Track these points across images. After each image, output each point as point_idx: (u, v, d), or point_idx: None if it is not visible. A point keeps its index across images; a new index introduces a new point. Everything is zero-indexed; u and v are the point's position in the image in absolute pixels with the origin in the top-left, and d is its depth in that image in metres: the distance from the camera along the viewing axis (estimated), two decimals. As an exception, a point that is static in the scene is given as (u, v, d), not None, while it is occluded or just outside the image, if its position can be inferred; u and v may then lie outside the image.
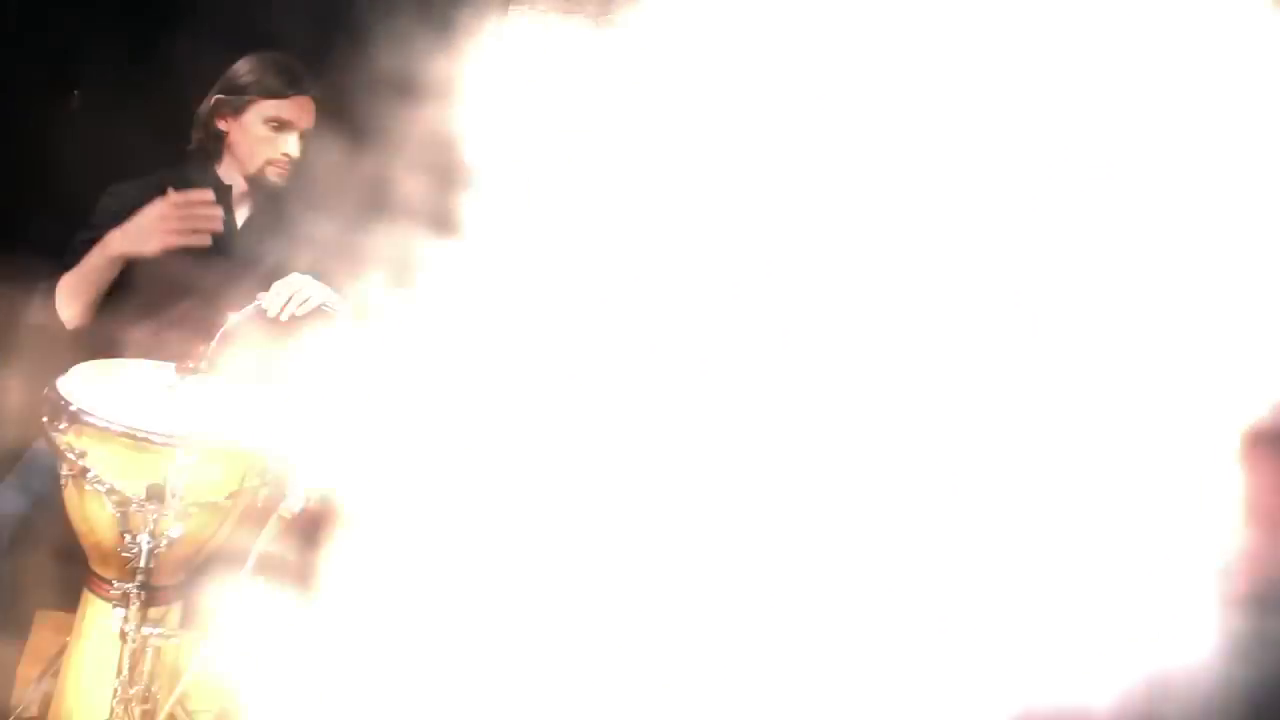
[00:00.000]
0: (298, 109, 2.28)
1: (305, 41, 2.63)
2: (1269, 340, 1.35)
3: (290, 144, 2.27)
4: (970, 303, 1.46)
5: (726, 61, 1.60)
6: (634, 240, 1.63)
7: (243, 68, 2.28)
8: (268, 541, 1.28)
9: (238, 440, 1.79)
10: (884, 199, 1.50)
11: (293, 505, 1.30)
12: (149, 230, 2.03)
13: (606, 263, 1.65)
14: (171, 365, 1.96)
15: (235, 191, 2.31)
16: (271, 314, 2.08)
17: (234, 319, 2.08)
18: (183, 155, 2.33)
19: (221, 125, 2.28)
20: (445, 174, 3.39)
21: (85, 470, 1.74)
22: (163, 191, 2.27)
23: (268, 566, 1.30)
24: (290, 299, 2.10)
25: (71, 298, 2.08)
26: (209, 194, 2.05)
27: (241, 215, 2.34)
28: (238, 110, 2.26)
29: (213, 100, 2.27)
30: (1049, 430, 1.45)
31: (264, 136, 2.25)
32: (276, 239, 2.33)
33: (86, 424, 1.74)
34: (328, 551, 2.10)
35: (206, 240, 2.03)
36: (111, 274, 2.06)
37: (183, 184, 2.28)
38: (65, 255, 2.19)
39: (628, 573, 1.44)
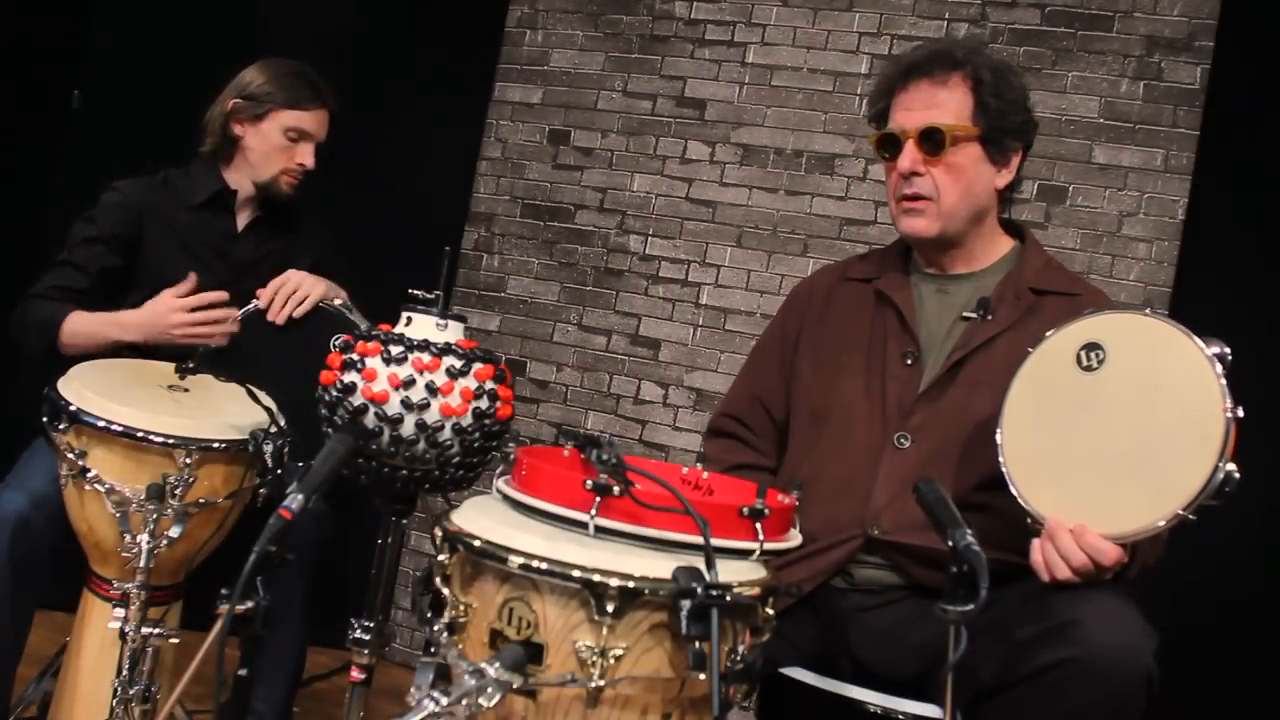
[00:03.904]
0: (317, 121, 2.28)
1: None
2: None
3: (307, 155, 2.27)
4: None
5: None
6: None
7: (261, 75, 2.26)
8: (268, 541, 1.28)
9: (237, 440, 1.79)
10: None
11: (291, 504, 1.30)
12: (162, 330, 2.07)
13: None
14: (171, 365, 1.96)
15: (240, 196, 2.31)
16: (270, 315, 2.08)
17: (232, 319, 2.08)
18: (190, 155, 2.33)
19: (237, 130, 2.27)
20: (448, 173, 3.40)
21: (85, 470, 1.74)
22: (166, 188, 2.27)
23: (268, 565, 1.30)
24: (288, 299, 2.09)
25: (74, 341, 2.09)
26: (223, 295, 2.09)
27: (243, 219, 2.33)
28: (256, 117, 2.25)
29: (229, 104, 2.26)
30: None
31: (281, 145, 2.25)
32: (276, 243, 2.33)
33: (86, 424, 1.75)
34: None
35: (224, 340, 2.08)
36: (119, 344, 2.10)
37: (187, 184, 2.29)
38: (64, 250, 2.19)
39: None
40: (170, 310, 2.08)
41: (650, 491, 1.25)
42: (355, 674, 1.58)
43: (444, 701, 1.12)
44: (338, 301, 2.14)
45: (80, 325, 2.10)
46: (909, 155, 1.72)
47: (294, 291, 2.10)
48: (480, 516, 1.30)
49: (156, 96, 2.88)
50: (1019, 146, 1.76)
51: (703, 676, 1.14)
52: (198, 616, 1.62)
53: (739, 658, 1.24)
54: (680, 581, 1.15)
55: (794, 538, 1.39)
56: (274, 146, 2.25)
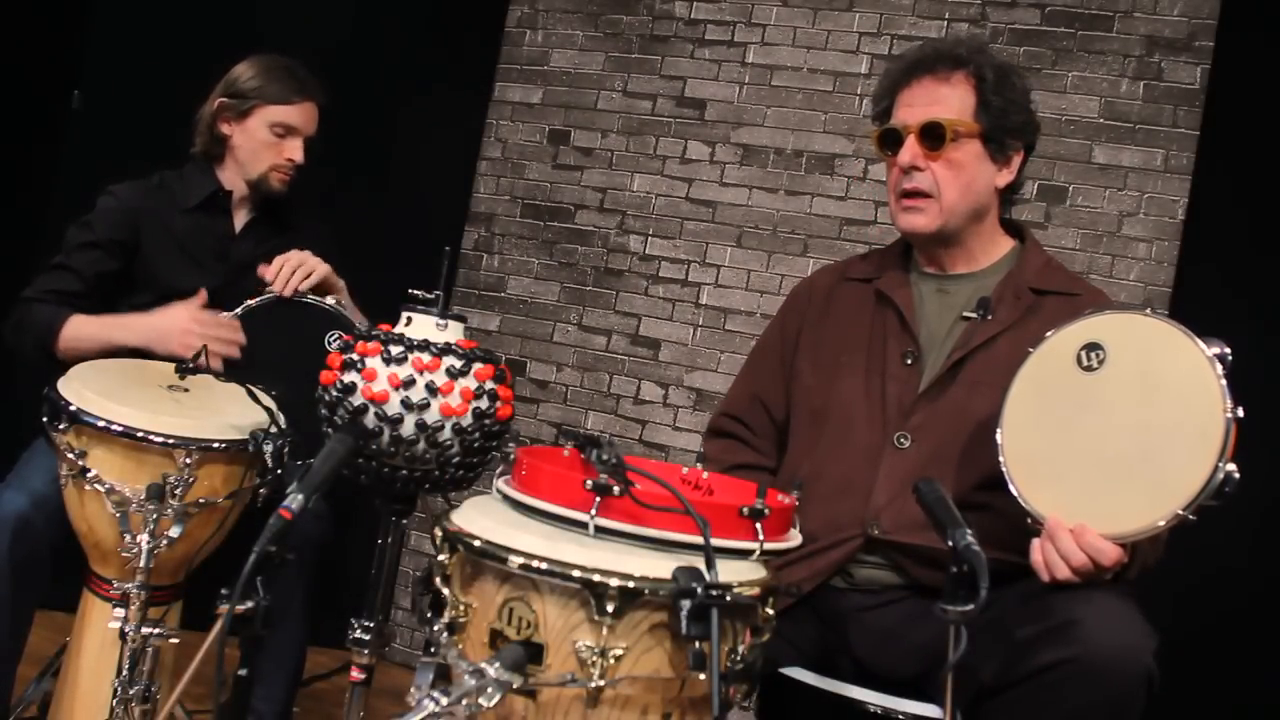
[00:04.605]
0: (304, 115, 2.27)
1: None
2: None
3: (295, 150, 2.26)
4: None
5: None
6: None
7: (246, 71, 2.26)
8: (268, 541, 1.28)
9: (237, 440, 1.79)
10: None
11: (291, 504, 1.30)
12: (170, 339, 2.04)
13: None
14: (171, 365, 1.95)
15: (235, 196, 2.31)
16: (275, 286, 2.07)
17: (231, 318, 2.07)
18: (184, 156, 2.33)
19: (224, 129, 2.26)
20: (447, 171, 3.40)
21: (85, 470, 1.74)
22: (161, 191, 2.27)
23: (268, 565, 1.30)
24: (295, 271, 2.08)
25: (73, 346, 2.08)
26: (236, 324, 2.06)
27: (240, 219, 2.33)
28: (242, 114, 2.24)
29: (216, 103, 2.26)
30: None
31: (268, 142, 2.24)
32: (274, 242, 2.33)
33: (86, 424, 1.74)
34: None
35: (221, 363, 2.02)
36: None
37: (183, 186, 2.29)
38: (60, 254, 2.18)
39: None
40: (183, 326, 2.05)
41: (650, 491, 1.25)
42: (355, 674, 1.58)
43: (444, 701, 1.12)
44: (332, 299, 2.14)
45: (82, 329, 2.09)
46: (910, 150, 1.72)
47: (300, 265, 2.09)
48: (480, 516, 1.30)
49: (156, 96, 2.87)
50: (1020, 146, 1.76)
51: (703, 676, 1.14)
52: (198, 616, 1.62)
53: (739, 658, 1.24)
54: (680, 581, 1.15)
55: (794, 538, 1.39)
56: (261, 143, 2.24)
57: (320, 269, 2.11)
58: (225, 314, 2.08)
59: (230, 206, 2.31)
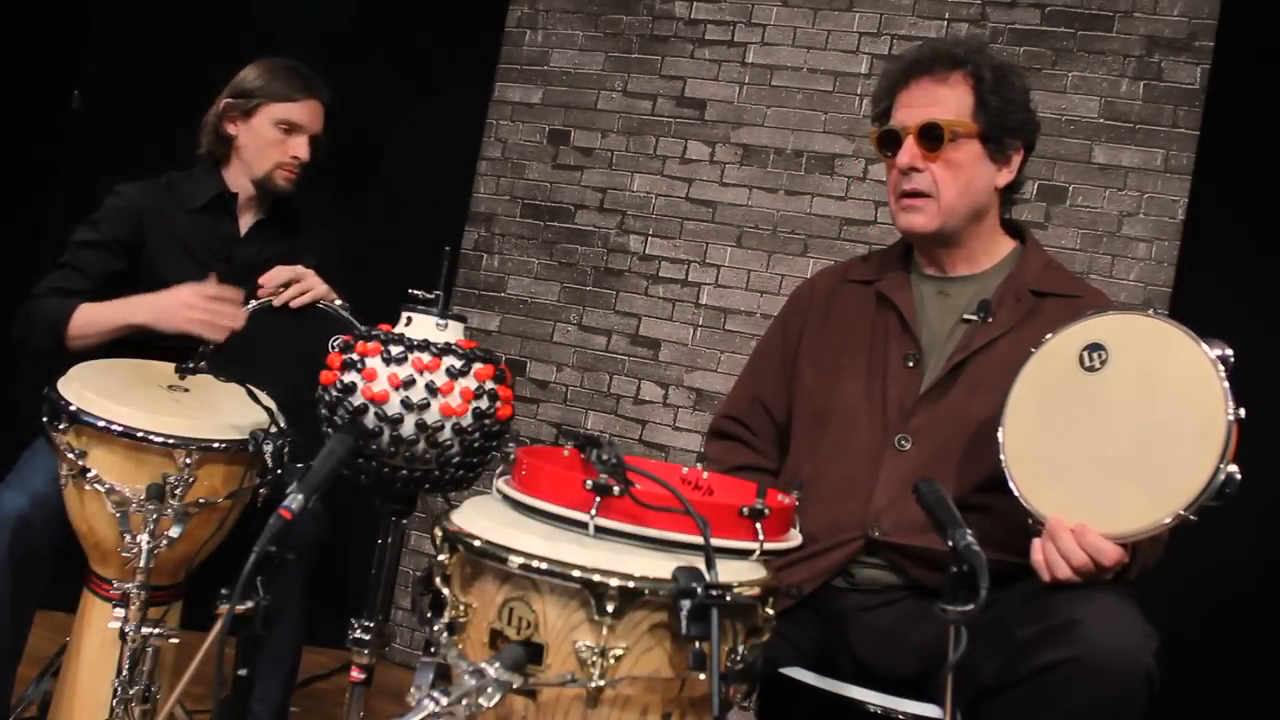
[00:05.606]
0: (308, 112, 2.28)
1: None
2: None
3: (300, 147, 2.26)
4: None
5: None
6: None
7: (251, 72, 2.27)
8: (268, 541, 1.28)
9: (237, 440, 1.79)
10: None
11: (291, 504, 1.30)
12: (173, 313, 2.01)
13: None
14: (171, 365, 1.95)
15: (241, 198, 2.31)
16: (268, 288, 2.06)
17: (235, 295, 2.06)
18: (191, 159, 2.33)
19: (230, 129, 2.27)
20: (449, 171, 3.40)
21: (85, 470, 1.74)
22: (168, 191, 2.27)
23: (268, 565, 1.30)
24: (289, 285, 2.07)
25: (83, 333, 2.07)
26: (239, 293, 2.03)
27: (246, 221, 2.33)
28: (247, 114, 2.25)
29: (221, 105, 2.27)
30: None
31: (274, 140, 2.25)
32: (280, 245, 2.33)
33: (86, 424, 1.74)
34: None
35: (223, 336, 1.99)
36: (127, 332, 2.07)
37: (190, 187, 2.29)
38: (66, 252, 2.18)
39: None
40: (188, 296, 2.02)
41: (650, 491, 1.25)
42: (355, 674, 1.58)
43: (444, 701, 1.12)
44: (337, 302, 2.14)
45: (89, 314, 2.08)
46: (908, 151, 1.72)
47: (301, 280, 2.09)
48: (480, 516, 1.30)
49: (156, 96, 2.88)
50: (1019, 146, 1.76)
51: (703, 676, 1.14)
52: (198, 616, 1.62)
53: (739, 658, 1.24)
54: (680, 581, 1.15)
55: (794, 538, 1.39)
56: (266, 141, 2.25)
57: (318, 290, 2.09)
58: (235, 296, 2.04)
59: (235, 209, 2.31)
